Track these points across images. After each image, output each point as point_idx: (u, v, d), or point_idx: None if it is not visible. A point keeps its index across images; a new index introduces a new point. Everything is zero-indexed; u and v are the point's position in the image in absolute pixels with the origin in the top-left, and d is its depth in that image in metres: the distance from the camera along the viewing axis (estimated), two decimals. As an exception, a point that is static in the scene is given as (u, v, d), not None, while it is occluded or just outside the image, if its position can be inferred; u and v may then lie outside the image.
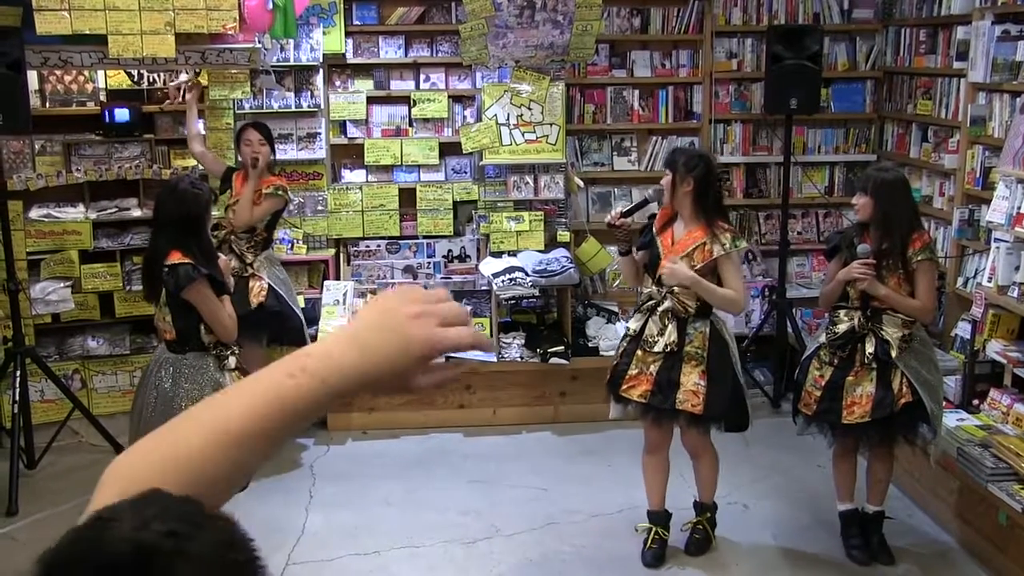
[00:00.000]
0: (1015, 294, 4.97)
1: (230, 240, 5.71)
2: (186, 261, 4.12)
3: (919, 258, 4.43)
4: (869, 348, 4.48)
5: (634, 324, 4.60)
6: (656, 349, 4.46)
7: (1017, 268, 4.96)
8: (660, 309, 4.47)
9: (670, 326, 4.45)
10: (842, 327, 4.57)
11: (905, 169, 6.54)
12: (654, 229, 4.59)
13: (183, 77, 6.38)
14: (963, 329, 5.61)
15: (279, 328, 5.89)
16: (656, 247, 4.54)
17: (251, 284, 5.70)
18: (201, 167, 6.16)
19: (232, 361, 4.34)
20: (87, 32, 5.23)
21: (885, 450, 4.69)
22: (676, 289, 4.43)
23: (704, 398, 4.41)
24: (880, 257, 4.46)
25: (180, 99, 6.18)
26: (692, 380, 4.43)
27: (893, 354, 4.43)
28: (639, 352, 4.53)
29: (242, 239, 5.74)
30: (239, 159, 5.88)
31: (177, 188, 4.28)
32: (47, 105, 6.56)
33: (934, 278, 4.57)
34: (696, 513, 4.82)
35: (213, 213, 5.32)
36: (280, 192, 5.76)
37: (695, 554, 4.73)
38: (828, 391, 4.57)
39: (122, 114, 6.37)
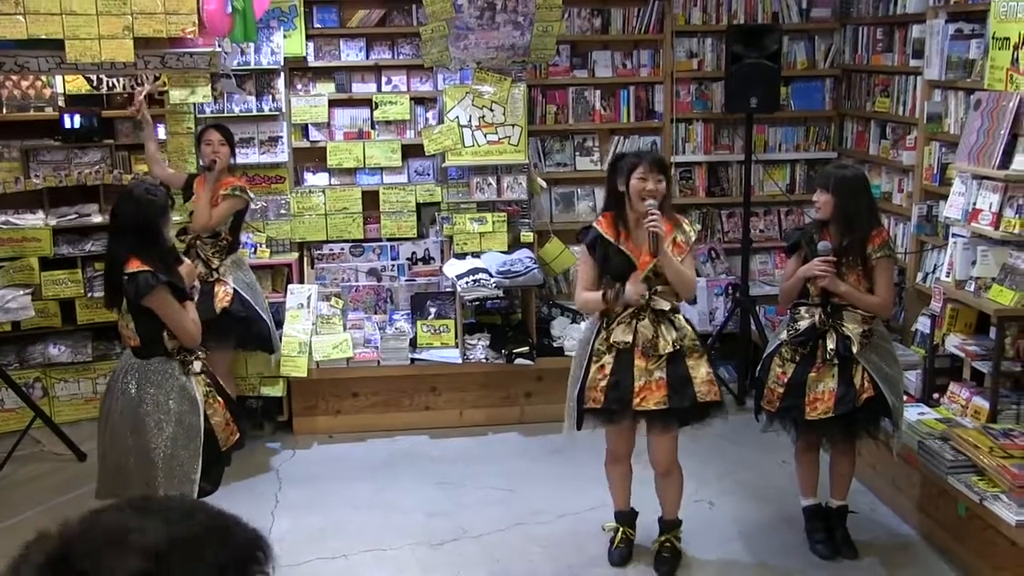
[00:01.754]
0: (972, 288, 5.03)
1: (195, 245, 5.67)
2: (145, 268, 4.10)
3: (878, 255, 4.48)
4: (830, 344, 4.51)
5: (623, 336, 4.38)
6: (663, 351, 4.34)
7: (974, 263, 5.02)
8: (650, 311, 4.35)
9: (664, 325, 4.36)
10: (803, 324, 4.59)
11: (865, 166, 6.61)
12: (607, 238, 4.42)
13: (148, 87, 6.31)
14: (923, 324, 5.67)
15: (245, 333, 5.85)
16: (622, 255, 4.39)
17: (216, 289, 5.65)
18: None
19: (197, 366, 4.33)
20: (43, 37, 5.18)
21: (848, 445, 4.73)
22: (659, 288, 4.36)
23: (718, 386, 4.44)
24: (840, 254, 4.50)
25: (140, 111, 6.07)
26: (703, 370, 4.39)
27: (854, 349, 4.47)
28: (639, 362, 4.37)
29: (207, 243, 5.69)
30: (200, 162, 5.84)
31: (132, 194, 4.25)
32: (4, 111, 6.48)
33: (893, 274, 4.62)
34: (662, 530, 4.72)
35: (177, 219, 5.30)
36: (238, 192, 5.72)
37: (668, 573, 4.60)
38: (791, 388, 4.59)
39: (81, 119, 6.31)
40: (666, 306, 4.38)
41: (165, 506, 1.02)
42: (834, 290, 4.50)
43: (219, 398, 4.42)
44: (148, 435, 4.19)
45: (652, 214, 4.21)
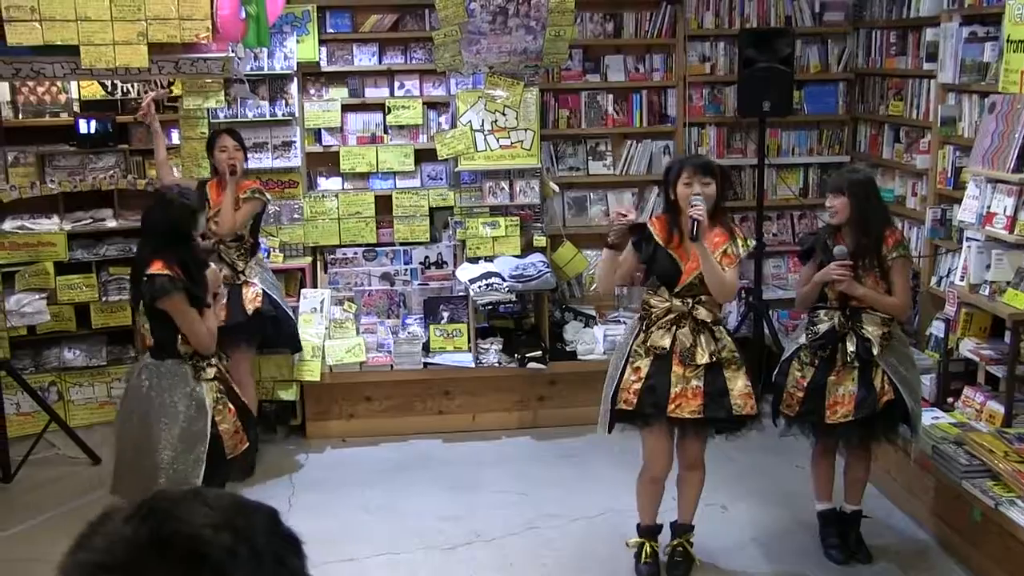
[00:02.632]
0: (986, 292, 5.01)
1: (218, 249, 5.68)
2: (164, 272, 4.14)
3: (894, 255, 4.46)
4: (850, 347, 4.50)
5: (661, 341, 4.37)
6: (700, 361, 4.33)
7: (988, 267, 5.01)
8: (691, 320, 4.35)
9: (703, 336, 4.35)
10: (823, 327, 4.57)
11: (878, 170, 6.62)
12: (658, 240, 4.41)
13: (155, 93, 6.35)
14: (937, 328, 5.65)
15: (276, 332, 5.88)
16: (670, 259, 4.38)
17: (245, 291, 5.68)
18: (178, 176, 6.14)
19: (210, 372, 4.35)
20: (59, 43, 5.20)
21: (864, 450, 4.72)
22: (703, 298, 4.34)
23: (755, 398, 4.41)
24: (856, 257, 4.48)
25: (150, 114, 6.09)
26: (741, 382, 4.37)
27: (875, 352, 4.45)
28: (677, 368, 4.37)
29: (231, 247, 5.71)
30: (217, 167, 5.83)
31: (165, 197, 4.36)
32: (20, 116, 6.53)
33: (909, 274, 4.61)
34: (674, 534, 4.72)
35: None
36: (257, 195, 5.78)
37: None
38: (810, 392, 4.58)
39: (96, 125, 6.34)
40: (708, 317, 4.37)
41: (220, 491, 1.15)
42: (853, 293, 4.48)
43: (230, 405, 4.43)
44: (154, 435, 4.23)
45: (695, 206, 4.21)
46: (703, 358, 4.32)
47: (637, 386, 4.41)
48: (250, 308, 5.67)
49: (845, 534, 4.78)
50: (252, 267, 5.78)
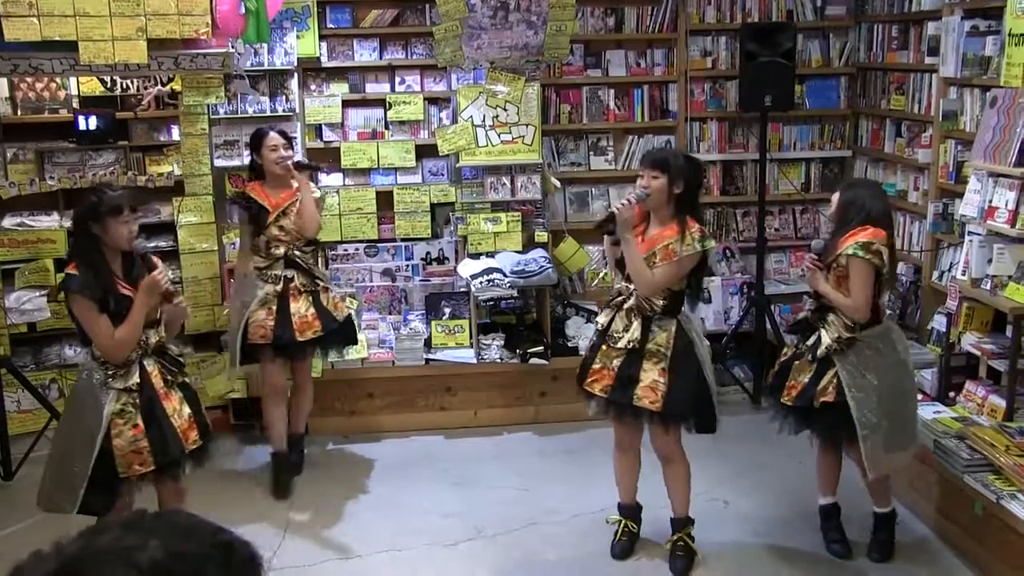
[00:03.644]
0: (988, 287, 5.00)
1: (293, 257, 5.43)
2: (73, 272, 4.03)
3: (848, 252, 4.33)
4: (810, 340, 4.56)
5: (603, 319, 4.62)
6: (619, 345, 4.47)
7: (990, 261, 5.00)
8: (626, 306, 4.48)
9: (635, 323, 4.44)
10: (799, 315, 4.78)
11: (880, 164, 6.60)
12: None
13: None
14: (939, 322, 5.65)
15: (353, 333, 5.82)
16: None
17: (325, 298, 5.52)
18: (179, 172, 6.12)
19: (120, 382, 4.10)
20: (57, 39, 5.19)
21: (834, 448, 4.75)
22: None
23: (663, 395, 4.36)
24: (824, 253, 4.51)
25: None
26: (651, 377, 4.41)
27: (819, 353, 4.45)
28: (603, 347, 4.56)
29: (307, 252, 5.49)
30: (256, 163, 5.55)
31: (83, 193, 4.27)
32: (19, 113, 6.51)
33: (866, 276, 4.34)
34: (673, 529, 4.71)
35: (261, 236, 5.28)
36: (325, 192, 5.84)
37: (682, 572, 4.60)
38: (780, 370, 4.72)
39: (96, 121, 6.33)
40: (640, 306, 4.45)
41: (166, 523, 1.03)
42: (814, 288, 4.54)
43: (137, 421, 4.10)
44: (57, 435, 4.23)
45: (627, 198, 4.39)
46: (622, 342, 4.46)
47: (583, 360, 4.75)
48: (340, 315, 5.58)
49: (842, 529, 4.77)
50: (323, 272, 5.71)
